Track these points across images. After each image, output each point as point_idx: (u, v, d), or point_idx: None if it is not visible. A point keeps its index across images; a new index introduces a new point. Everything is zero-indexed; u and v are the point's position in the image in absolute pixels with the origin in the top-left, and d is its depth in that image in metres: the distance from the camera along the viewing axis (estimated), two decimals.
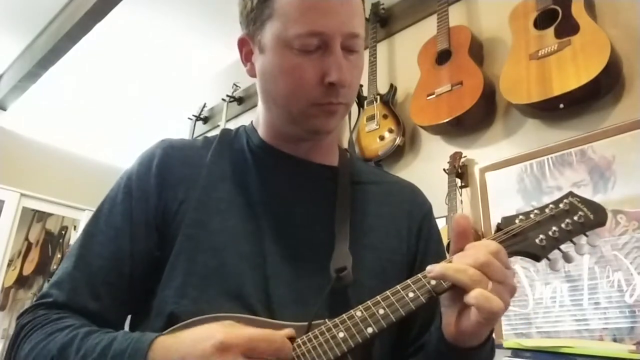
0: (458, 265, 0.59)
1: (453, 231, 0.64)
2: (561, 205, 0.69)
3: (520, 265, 1.56)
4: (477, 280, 0.57)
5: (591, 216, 0.68)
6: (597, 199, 1.45)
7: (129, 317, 0.76)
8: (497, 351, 1.42)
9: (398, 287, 0.63)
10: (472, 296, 0.57)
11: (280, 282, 0.70)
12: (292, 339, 0.59)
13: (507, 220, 0.68)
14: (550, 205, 0.69)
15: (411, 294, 0.62)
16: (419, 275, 0.63)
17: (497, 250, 0.60)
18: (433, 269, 0.61)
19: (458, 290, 0.60)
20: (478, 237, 1.64)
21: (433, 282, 0.62)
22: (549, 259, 0.66)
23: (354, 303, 0.64)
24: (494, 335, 1.55)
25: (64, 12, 2.59)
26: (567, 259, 0.66)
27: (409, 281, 0.63)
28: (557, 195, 1.57)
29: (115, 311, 0.72)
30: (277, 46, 0.71)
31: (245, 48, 0.78)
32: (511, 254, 0.64)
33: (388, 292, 0.63)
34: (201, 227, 0.72)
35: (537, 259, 0.66)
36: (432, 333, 0.69)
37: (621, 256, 1.38)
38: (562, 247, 0.67)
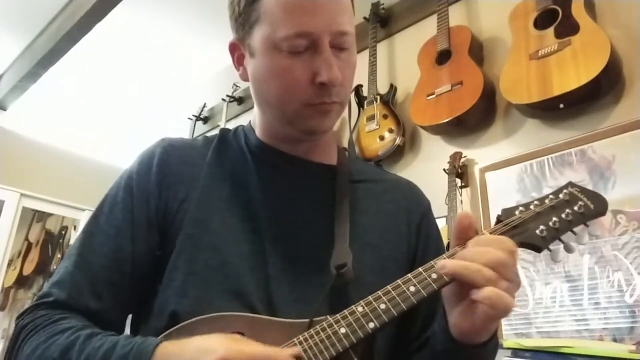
0: (472, 264, 0.58)
1: (455, 228, 0.64)
2: (561, 196, 0.69)
3: (520, 265, 1.56)
4: (492, 281, 0.57)
5: (591, 206, 0.68)
6: None
7: (130, 316, 0.76)
8: (497, 351, 1.42)
9: (399, 281, 0.63)
10: (486, 295, 0.56)
11: (281, 281, 0.70)
12: (298, 358, 0.58)
13: (507, 212, 0.68)
14: (550, 196, 0.69)
15: (412, 288, 0.61)
16: (420, 269, 0.63)
17: (512, 249, 0.60)
18: (445, 264, 0.60)
19: (463, 286, 0.59)
20: None
21: (434, 276, 0.61)
22: (549, 250, 0.66)
23: (354, 301, 0.64)
24: None
25: (64, 12, 2.59)
26: (568, 249, 0.66)
27: (409, 275, 0.63)
28: None
29: (117, 311, 0.71)
30: (266, 49, 0.71)
31: (237, 52, 0.78)
32: None
33: (389, 287, 0.63)
34: (202, 226, 0.72)
35: (538, 250, 0.65)
36: (437, 332, 0.69)
37: (621, 256, 1.38)
38: (563, 237, 0.67)
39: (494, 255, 0.58)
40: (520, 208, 0.68)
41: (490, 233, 0.64)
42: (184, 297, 0.68)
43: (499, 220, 0.68)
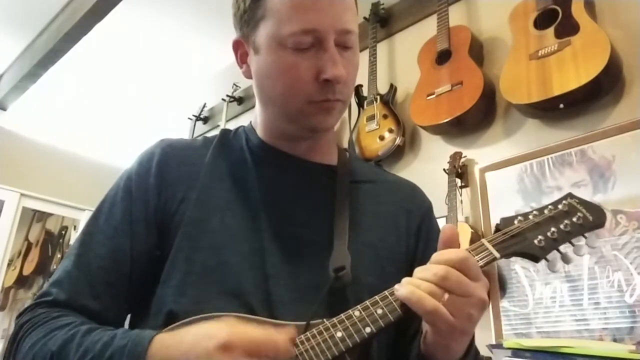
0: (414, 281, 0.60)
1: (439, 240, 0.64)
2: (560, 207, 0.70)
3: (520, 265, 1.56)
4: (430, 295, 0.57)
5: (590, 217, 0.68)
6: (597, 199, 1.45)
7: (129, 316, 0.76)
8: (497, 351, 1.42)
9: (397, 286, 0.63)
10: (421, 309, 0.57)
11: (279, 281, 0.70)
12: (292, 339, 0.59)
13: (506, 221, 0.69)
14: (549, 207, 0.70)
15: None
16: None
17: (457, 259, 0.59)
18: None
19: None
20: (478, 237, 1.64)
21: None
22: (547, 260, 0.66)
23: (352, 302, 0.64)
24: (493, 336, 1.52)
25: (64, 12, 2.59)
26: (566, 260, 0.67)
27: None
28: (557, 195, 1.57)
29: (115, 310, 0.72)
30: (271, 46, 0.72)
31: (240, 50, 0.79)
32: (510, 254, 0.65)
33: (386, 292, 0.63)
34: (200, 225, 0.72)
35: (535, 259, 0.66)
36: (414, 347, 0.70)
37: (621, 256, 1.38)
38: (561, 248, 0.67)
39: (436, 270, 0.59)
40: (519, 217, 0.68)
41: (489, 242, 0.65)
42: (181, 297, 0.68)
43: (497, 229, 0.68)
